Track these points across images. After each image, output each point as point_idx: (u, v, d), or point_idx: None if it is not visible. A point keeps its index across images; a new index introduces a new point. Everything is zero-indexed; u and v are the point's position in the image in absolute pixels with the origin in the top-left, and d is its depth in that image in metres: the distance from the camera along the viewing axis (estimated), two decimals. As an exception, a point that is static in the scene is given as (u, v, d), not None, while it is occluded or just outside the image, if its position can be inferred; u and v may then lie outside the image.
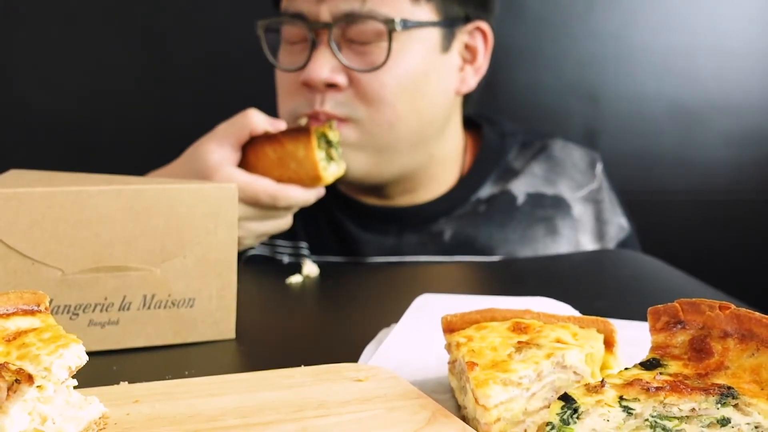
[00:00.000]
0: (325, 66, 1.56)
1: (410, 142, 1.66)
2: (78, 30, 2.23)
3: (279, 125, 1.51)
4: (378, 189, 1.74)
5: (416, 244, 1.75)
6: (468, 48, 1.71)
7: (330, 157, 1.53)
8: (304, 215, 1.75)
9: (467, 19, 1.68)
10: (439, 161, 1.75)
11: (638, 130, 2.36)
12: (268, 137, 1.49)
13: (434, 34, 1.62)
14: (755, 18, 2.37)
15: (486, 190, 1.78)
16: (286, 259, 1.78)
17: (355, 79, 1.58)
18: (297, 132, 1.49)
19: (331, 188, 1.68)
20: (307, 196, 1.50)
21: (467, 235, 1.75)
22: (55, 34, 2.22)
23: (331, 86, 1.57)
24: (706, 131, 2.37)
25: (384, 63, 1.56)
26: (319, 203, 1.72)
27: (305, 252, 1.78)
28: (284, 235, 1.77)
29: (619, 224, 1.82)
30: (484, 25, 1.70)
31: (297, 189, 1.48)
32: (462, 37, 1.69)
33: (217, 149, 1.48)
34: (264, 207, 1.47)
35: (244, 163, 1.50)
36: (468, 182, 1.79)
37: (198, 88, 2.26)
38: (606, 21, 2.35)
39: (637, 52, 2.36)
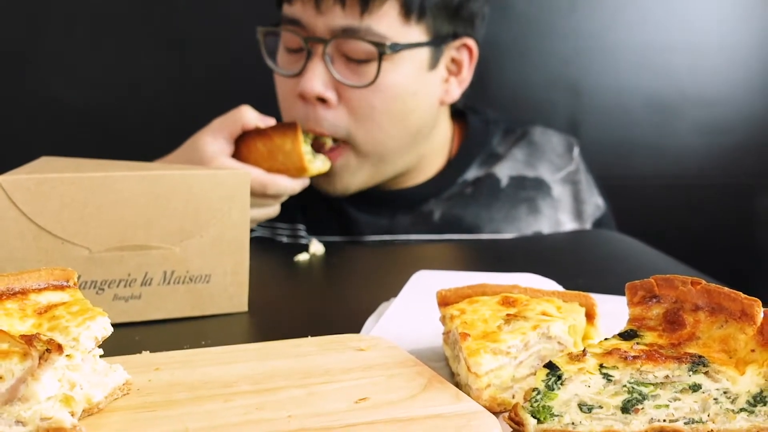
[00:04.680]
0: (317, 80, 1.53)
1: (400, 152, 1.66)
2: (105, 29, 2.22)
3: (269, 121, 1.50)
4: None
5: (408, 224, 1.75)
6: (454, 61, 1.68)
7: (317, 157, 1.54)
8: (303, 200, 1.76)
9: (455, 36, 1.64)
10: (427, 155, 1.75)
11: (617, 120, 2.35)
12: (258, 132, 1.48)
13: (423, 54, 1.59)
14: (725, 18, 2.36)
15: (472, 173, 1.78)
16: (285, 240, 1.79)
17: (346, 97, 1.55)
18: (285, 127, 1.49)
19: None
20: (294, 185, 1.50)
21: (455, 215, 1.75)
22: (83, 33, 2.21)
23: (323, 100, 1.55)
24: (679, 122, 2.37)
25: (373, 82, 1.54)
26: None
27: (302, 233, 1.78)
28: (283, 218, 1.76)
29: (595, 203, 1.82)
30: (470, 42, 1.67)
31: (284, 178, 1.48)
32: (449, 52, 1.66)
33: (213, 141, 1.47)
34: (255, 194, 1.44)
35: (236, 156, 1.50)
36: (455, 166, 1.78)
37: (216, 85, 2.25)
38: (587, 20, 2.34)
39: (616, 48, 2.35)
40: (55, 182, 1.04)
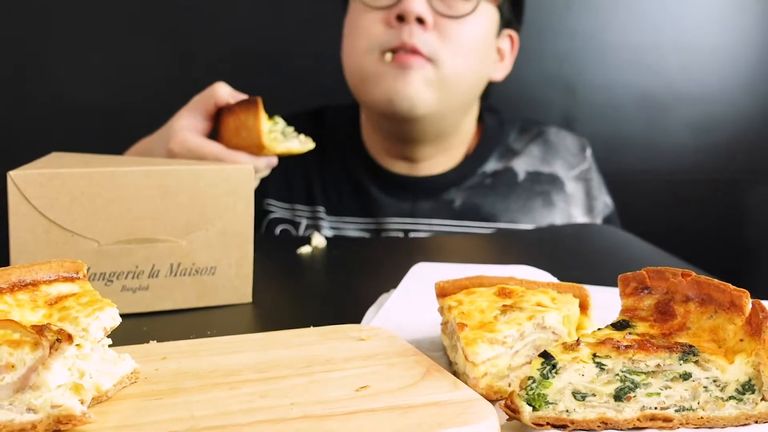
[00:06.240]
0: (419, 1, 1.60)
1: (463, 100, 1.72)
2: (113, 29, 2.22)
3: (240, 98, 1.44)
4: (407, 153, 1.79)
5: (430, 209, 1.79)
6: (499, 51, 1.79)
7: (296, 137, 1.43)
8: (324, 180, 1.81)
9: (508, 24, 1.77)
10: (459, 134, 1.81)
11: (610, 117, 2.35)
12: (228, 108, 1.42)
13: (496, 19, 1.72)
14: (714, 18, 2.36)
15: (490, 166, 1.83)
16: (304, 222, 1.80)
17: (440, 25, 1.62)
18: (248, 102, 1.40)
19: (361, 157, 1.80)
20: (254, 163, 1.38)
21: (474, 204, 1.79)
22: (92, 33, 2.21)
23: (420, 23, 1.61)
24: (670, 119, 2.37)
25: (471, 13, 1.64)
26: (349, 170, 1.81)
27: (322, 215, 1.79)
28: (303, 200, 1.81)
29: (604, 201, 1.87)
30: (514, 34, 1.80)
31: (243, 155, 1.37)
32: (501, 38, 1.78)
33: (188, 117, 1.42)
34: None
35: (216, 133, 1.43)
36: (474, 158, 1.84)
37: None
38: (582, 20, 2.34)
39: (609, 48, 2.35)
40: (65, 177, 1.04)
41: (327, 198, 1.81)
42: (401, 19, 1.61)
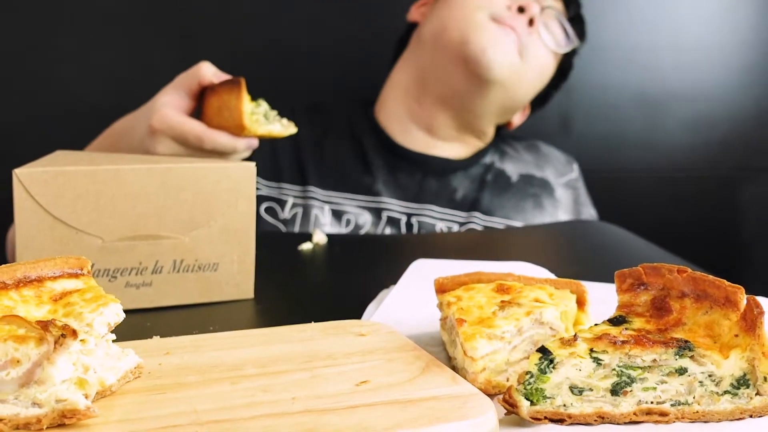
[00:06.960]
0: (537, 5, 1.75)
1: (511, 101, 1.82)
2: (118, 26, 2.21)
3: (223, 77, 1.40)
4: (433, 121, 1.85)
5: (434, 191, 1.83)
6: None
7: (279, 121, 1.40)
8: (323, 158, 1.82)
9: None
10: (476, 139, 1.89)
11: (607, 116, 2.35)
12: (212, 88, 1.39)
13: (548, 77, 1.87)
14: (709, 18, 2.35)
15: (488, 159, 1.91)
16: (290, 200, 1.79)
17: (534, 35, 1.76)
18: (231, 83, 1.37)
19: (374, 133, 1.85)
20: (234, 143, 1.35)
21: (474, 197, 1.84)
22: (97, 30, 2.20)
23: (529, 24, 1.74)
24: (665, 117, 2.36)
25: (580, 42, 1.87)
26: (358, 147, 1.84)
27: (316, 194, 1.78)
28: (292, 179, 1.81)
29: (590, 213, 1.93)
30: (528, 108, 1.96)
31: (224, 135, 1.34)
32: None
33: (172, 94, 1.39)
34: (192, 147, 1.35)
35: (200, 112, 1.40)
36: (476, 155, 1.91)
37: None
38: (579, 20, 2.33)
39: (605, 47, 2.34)
40: (69, 175, 1.04)
41: (323, 176, 1.81)
42: (520, 10, 1.73)
